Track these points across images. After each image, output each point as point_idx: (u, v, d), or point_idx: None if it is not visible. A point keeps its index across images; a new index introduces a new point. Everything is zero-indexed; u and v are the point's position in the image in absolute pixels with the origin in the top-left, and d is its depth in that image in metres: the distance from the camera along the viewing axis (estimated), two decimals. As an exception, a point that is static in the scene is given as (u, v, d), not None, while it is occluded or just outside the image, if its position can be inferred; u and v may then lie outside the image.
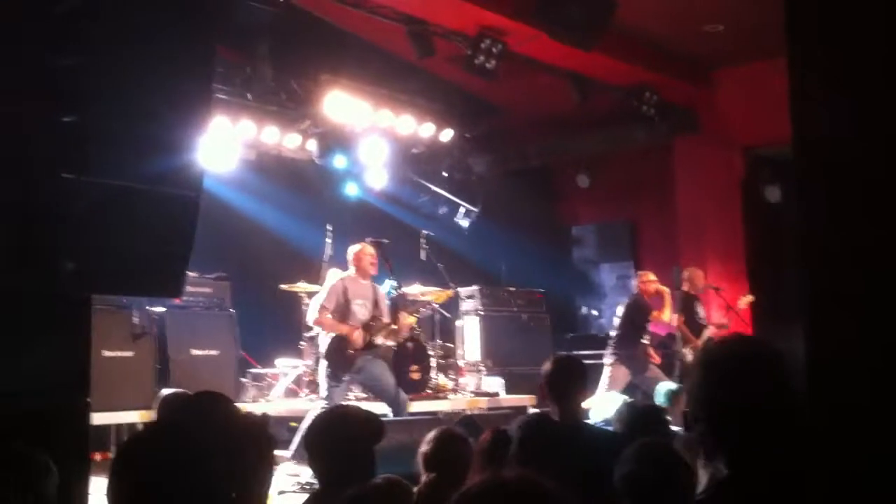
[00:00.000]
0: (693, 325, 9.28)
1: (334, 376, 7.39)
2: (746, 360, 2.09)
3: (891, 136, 2.25)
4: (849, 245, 2.33)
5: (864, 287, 2.29)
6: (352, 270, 7.62)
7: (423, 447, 3.80)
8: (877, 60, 2.25)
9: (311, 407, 7.49)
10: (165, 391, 6.31)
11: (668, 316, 9.11)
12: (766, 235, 10.49)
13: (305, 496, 3.60)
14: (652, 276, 9.27)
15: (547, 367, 4.02)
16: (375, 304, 7.57)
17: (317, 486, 3.29)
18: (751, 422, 1.96)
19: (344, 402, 7.16)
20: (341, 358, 7.40)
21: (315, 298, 7.71)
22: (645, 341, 9.05)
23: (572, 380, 4.01)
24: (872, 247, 2.28)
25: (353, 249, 7.67)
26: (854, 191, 2.29)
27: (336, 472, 2.94)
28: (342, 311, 7.47)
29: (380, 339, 7.67)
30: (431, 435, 3.82)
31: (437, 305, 9.44)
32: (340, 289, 7.51)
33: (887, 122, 2.26)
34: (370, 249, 7.59)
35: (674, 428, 3.65)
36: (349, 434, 2.96)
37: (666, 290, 9.22)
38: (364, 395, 8.19)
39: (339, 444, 2.94)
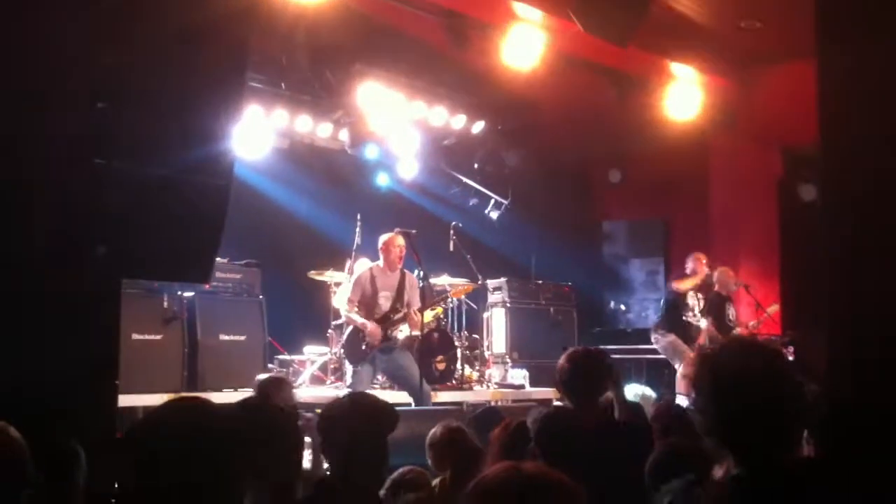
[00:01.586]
0: (723, 327, 9.22)
1: (353, 363, 7.59)
2: (746, 361, 2.11)
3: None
4: (871, 242, 2.32)
5: (884, 285, 2.27)
6: (381, 260, 7.67)
7: (427, 453, 3.83)
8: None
9: (335, 394, 7.56)
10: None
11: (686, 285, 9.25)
12: (801, 234, 10.37)
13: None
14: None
15: (560, 363, 4.00)
16: (399, 295, 7.61)
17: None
18: (753, 422, 1.97)
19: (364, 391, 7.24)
20: (356, 349, 7.52)
21: (342, 288, 7.79)
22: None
23: (587, 376, 3.99)
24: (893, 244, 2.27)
25: (382, 238, 7.72)
26: (877, 192, 2.28)
27: (348, 460, 2.96)
28: (368, 302, 7.54)
29: (402, 331, 7.74)
30: (428, 440, 3.85)
31: (463, 298, 9.45)
32: (367, 279, 7.57)
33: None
34: (400, 241, 7.63)
35: None
36: (361, 422, 2.97)
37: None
38: (389, 384, 8.24)
39: (351, 432, 2.95)
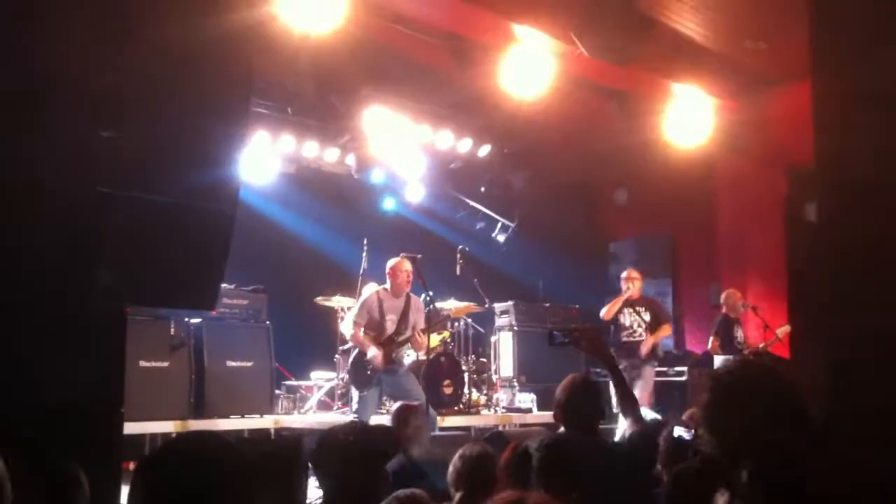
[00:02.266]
0: (730, 347, 9.19)
1: (358, 388, 7.61)
2: (750, 383, 2.12)
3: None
4: (865, 255, 2.32)
5: (880, 293, 2.27)
6: (388, 284, 7.67)
7: (452, 465, 3.79)
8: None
9: (342, 419, 7.55)
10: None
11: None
12: (807, 255, 10.32)
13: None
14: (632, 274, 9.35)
15: (560, 392, 3.98)
16: (404, 317, 7.61)
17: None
18: (758, 442, 1.97)
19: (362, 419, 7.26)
20: (360, 373, 7.52)
21: (350, 313, 7.80)
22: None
23: (587, 402, 3.96)
24: (888, 257, 2.27)
25: (390, 263, 7.73)
26: (871, 205, 2.29)
27: (341, 490, 2.93)
28: (376, 325, 7.53)
29: (408, 355, 7.73)
30: (460, 453, 3.81)
31: (470, 321, 9.44)
32: (374, 303, 7.57)
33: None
34: (407, 266, 7.63)
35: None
36: (355, 451, 2.95)
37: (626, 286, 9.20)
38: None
39: (344, 461, 2.93)
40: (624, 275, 9.43)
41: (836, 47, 2.38)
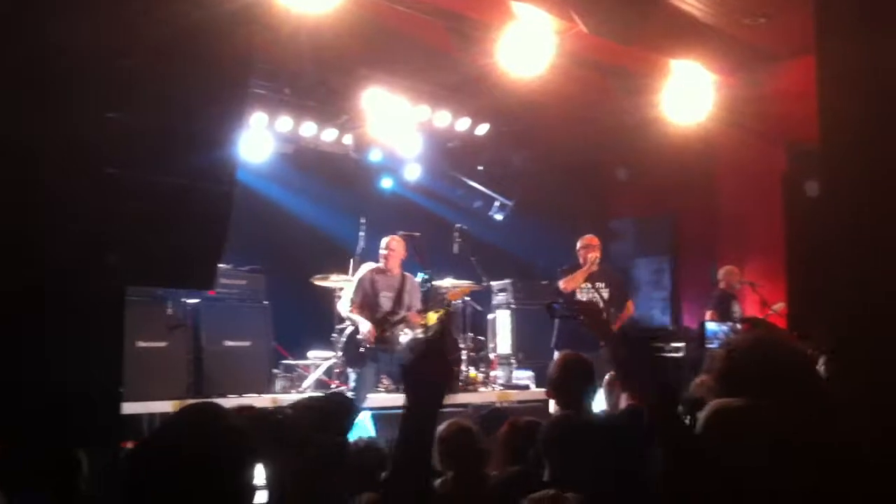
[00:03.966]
0: (728, 322, 9.20)
1: (352, 366, 7.63)
2: (765, 353, 2.15)
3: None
4: (870, 233, 2.32)
5: (884, 275, 2.28)
6: (382, 262, 7.67)
7: (436, 449, 3.80)
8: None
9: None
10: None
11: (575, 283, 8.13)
12: (806, 231, 10.32)
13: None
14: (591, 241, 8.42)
15: (552, 369, 3.99)
16: (399, 296, 7.61)
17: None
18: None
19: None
20: (353, 351, 7.53)
21: (345, 291, 7.81)
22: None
23: (579, 380, 3.98)
24: (890, 236, 2.28)
25: (384, 241, 7.73)
26: (876, 185, 2.28)
27: (303, 467, 2.93)
28: (371, 303, 7.55)
29: (405, 333, 7.74)
30: (437, 435, 3.82)
31: (468, 299, 9.44)
32: (369, 280, 7.58)
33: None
34: (395, 243, 7.62)
35: None
36: (308, 426, 2.94)
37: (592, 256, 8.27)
38: (394, 387, 8.23)
39: (300, 437, 2.92)
40: (582, 243, 8.38)
41: (840, 25, 2.37)
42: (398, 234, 7.77)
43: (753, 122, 10.57)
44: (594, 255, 8.21)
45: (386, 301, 7.59)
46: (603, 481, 3.06)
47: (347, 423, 3.04)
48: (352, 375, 7.68)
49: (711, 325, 9.02)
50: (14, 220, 3.66)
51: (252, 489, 2.02)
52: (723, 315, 9.19)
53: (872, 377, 2.31)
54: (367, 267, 7.78)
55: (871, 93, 2.33)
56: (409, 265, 7.86)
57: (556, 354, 7.73)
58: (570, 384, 4.01)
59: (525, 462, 3.66)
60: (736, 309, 9.39)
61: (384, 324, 7.50)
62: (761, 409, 1.88)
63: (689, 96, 9.78)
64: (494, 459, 3.92)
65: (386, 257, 7.63)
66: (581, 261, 8.30)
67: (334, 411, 3.04)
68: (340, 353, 7.87)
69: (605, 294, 8.15)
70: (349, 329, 7.67)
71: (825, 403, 2.17)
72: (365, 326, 7.45)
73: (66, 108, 3.73)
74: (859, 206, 2.42)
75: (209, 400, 2.81)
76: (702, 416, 1.93)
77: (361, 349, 7.50)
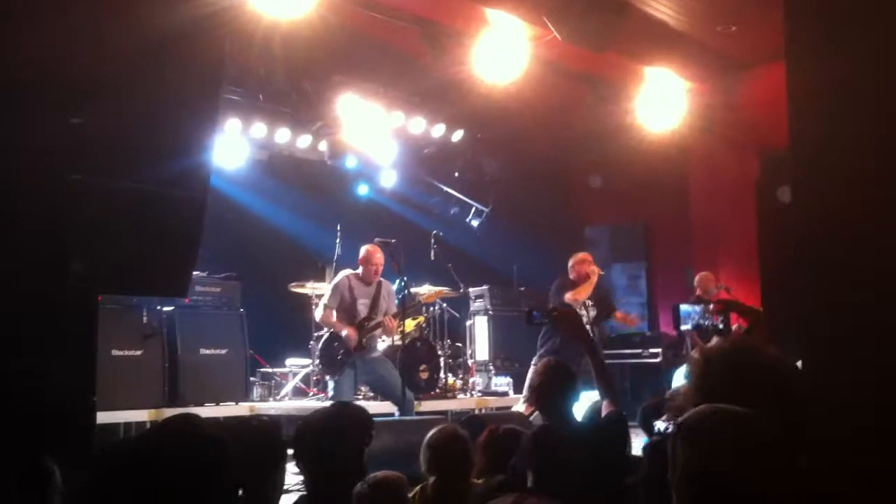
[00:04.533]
0: (703, 332, 9.25)
1: (329, 373, 7.57)
2: (740, 362, 2.16)
3: (884, 139, 2.26)
4: (842, 242, 2.34)
5: (856, 287, 2.29)
6: (360, 270, 7.66)
7: (422, 453, 3.79)
8: (871, 65, 2.26)
9: (318, 406, 7.53)
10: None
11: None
12: (779, 237, 10.43)
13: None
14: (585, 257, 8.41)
15: (535, 375, 4.00)
16: (374, 303, 7.60)
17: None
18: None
19: (345, 401, 7.22)
20: (331, 358, 7.50)
21: (323, 297, 7.77)
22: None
23: (563, 386, 4.00)
24: (864, 247, 2.30)
25: (363, 250, 7.72)
26: (846, 192, 2.31)
27: (322, 476, 2.93)
28: (348, 309, 7.52)
29: (383, 340, 7.73)
30: (428, 439, 3.81)
31: (445, 306, 9.45)
32: (346, 287, 7.55)
33: (880, 124, 2.27)
34: (379, 255, 7.59)
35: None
36: (335, 437, 2.94)
37: (596, 270, 8.30)
38: (372, 395, 8.21)
39: (324, 447, 2.92)
40: (578, 259, 8.35)
41: (811, 32, 2.39)
42: (375, 242, 7.76)
43: (726, 129, 10.66)
44: (596, 269, 8.25)
45: (363, 308, 7.57)
46: (586, 488, 3.07)
47: (367, 435, 3.02)
48: (330, 383, 7.65)
49: (685, 307, 8.99)
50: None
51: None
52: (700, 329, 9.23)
53: (849, 380, 2.33)
54: (344, 273, 7.76)
55: (841, 100, 2.35)
56: (385, 272, 7.85)
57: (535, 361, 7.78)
58: (553, 390, 4.01)
59: (505, 470, 3.66)
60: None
61: (360, 330, 7.48)
62: (749, 416, 1.88)
63: (662, 103, 9.86)
64: (475, 466, 3.92)
65: (375, 272, 7.58)
66: (573, 276, 8.25)
67: (353, 423, 3.03)
68: (318, 361, 7.82)
69: (592, 312, 8.20)
70: (326, 335, 7.63)
71: (804, 411, 2.19)
72: (346, 332, 7.42)
73: (29, 113, 3.69)
74: (830, 211, 2.44)
75: (188, 412, 2.79)
76: (689, 421, 1.92)
77: (339, 356, 7.47)
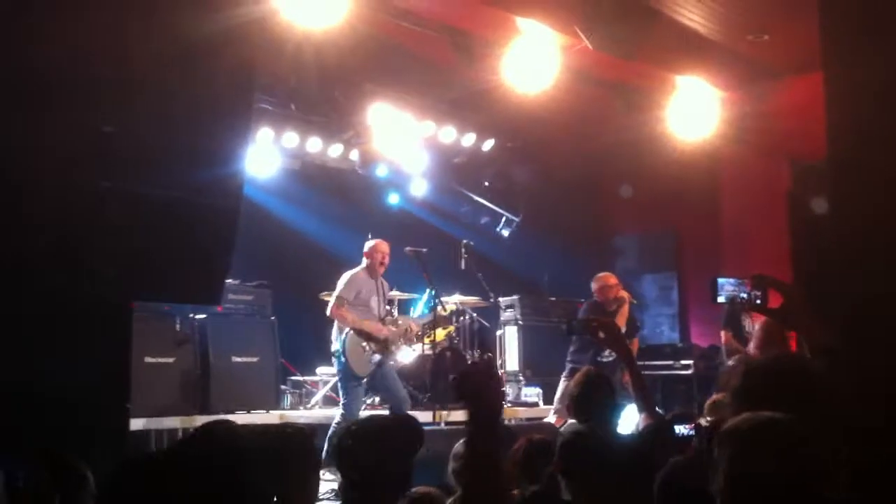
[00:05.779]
0: (740, 338, 9.15)
1: (354, 376, 7.40)
2: (783, 375, 2.17)
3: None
4: (879, 252, 2.32)
5: (889, 292, 2.27)
6: (364, 264, 7.64)
7: (452, 463, 3.78)
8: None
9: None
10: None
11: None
12: (811, 247, 10.31)
13: (338, 504, 3.59)
14: (613, 280, 8.44)
15: (573, 384, 3.98)
16: (380, 301, 7.61)
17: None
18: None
19: (364, 410, 7.21)
20: (360, 358, 7.41)
21: (336, 290, 7.64)
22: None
23: (600, 395, 3.98)
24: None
25: (368, 244, 7.70)
26: (884, 193, 2.29)
27: (370, 483, 2.92)
28: (363, 302, 7.49)
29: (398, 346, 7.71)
30: (458, 450, 3.80)
31: (475, 316, 9.43)
32: (363, 280, 7.52)
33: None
34: (385, 247, 7.60)
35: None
36: (386, 443, 2.92)
37: (626, 295, 8.40)
38: (380, 403, 8.18)
39: (375, 453, 2.90)
40: (603, 283, 8.38)
41: (847, 37, 2.38)
42: (406, 250, 7.75)
43: (757, 138, 10.57)
44: (626, 295, 8.30)
45: (375, 304, 7.57)
46: (619, 495, 3.04)
47: (417, 445, 3.01)
48: (342, 386, 7.53)
49: (722, 280, 8.86)
50: (17, 236, 3.67)
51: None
52: (735, 332, 9.13)
53: (874, 385, 2.30)
54: (353, 270, 7.70)
55: (879, 106, 2.33)
56: (415, 281, 7.85)
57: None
58: (590, 399, 3.99)
59: (540, 481, 3.63)
60: (747, 323, 9.33)
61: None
62: (789, 421, 1.90)
63: (693, 112, 9.79)
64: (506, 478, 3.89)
65: (381, 264, 7.56)
66: (600, 299, 8.28)
67: (405, 433, 3.01)
68: (342, 360, 7.54)
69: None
70: (346, 333, 7.40)
71: (839, 416, 2.18)
72: (374, 325, 7.37)
73: (60, 120, 3.74)
74: (867, 221, 2.42)
75: (223, 419, 2.81)
76: (731, 427, 1.94)
77: (368, 350, 7.34)
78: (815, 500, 1.81)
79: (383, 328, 7.40)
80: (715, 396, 6.75)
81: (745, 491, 1.85)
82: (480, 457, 2.42)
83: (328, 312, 7.60)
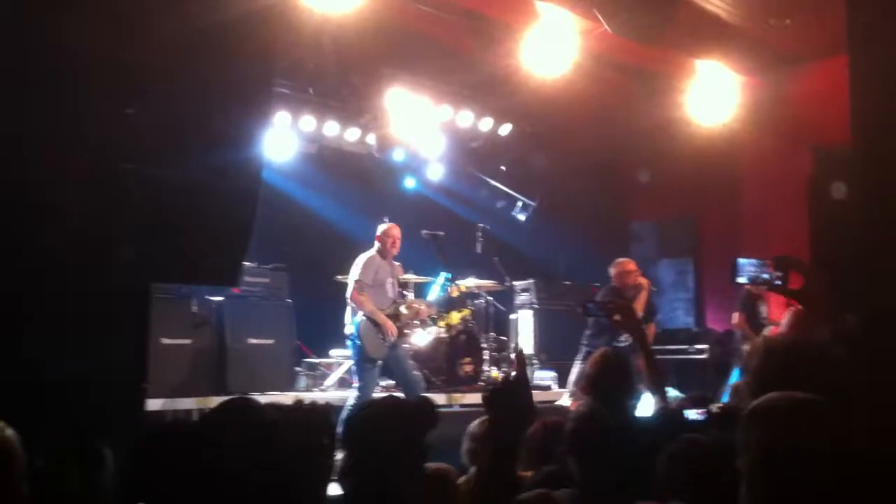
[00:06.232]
0: (755, 323, 9.13)
1: (368, 358, 7.45)
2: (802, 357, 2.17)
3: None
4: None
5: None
6: (377, 247, 7.67)
7: (466, 443, 3.79)
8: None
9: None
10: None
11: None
12: (832, 233, 10.23)
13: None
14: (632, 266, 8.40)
15: (590, 365, 3.98)
16: (394, 283, 7.64)
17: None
18: None
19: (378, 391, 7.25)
20: (376, 342, 7.45)
21: (353, 273, 7.67)
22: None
23: (618, 376, 3.96)
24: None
25: (380, 228, 7.73)
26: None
27: (384, 463, 2.92)
28: (378, 285, 7.53)
29: (412, 329, 7.74)
30: (472, 430, 3.81)
31: (490, 298, 9.44)
32: (379, 264, 7.56)
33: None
34: (395, 232, 7.63)
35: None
36: (400, 423, 2.93)
37: (645, 282, 8.39)
38: (393, 382, 8.21)
39: (388, 433, 2.91)
40: (622, 268, 8.33)
41: (874, 21, 2.35)
42: (423, 233, 7.76)
43: (778, 124, 10.49)
44: (644, 281, 8.28)
45: (390, 287, 7.60)
46: (628, 482, 3.04)
47: (429, 427, 3.01)
48: (357, 368, 7.57)
49: (742, 260, 8.80)
50: (37, 218, 3.69)
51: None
52: (750, 317, 9.11)
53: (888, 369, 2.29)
54: (368, 253, 7.74)
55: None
56: (432, 265, 7.86)
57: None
58: (606, 380, 3.97)
59: (554, 461, 3.64)
60: (762, 309, 9.30)
61: (395, 320, 7.49)
62: (815, 402, 1.92)
63: (712, 97, 9.73)
64: (523, 460, 3.90)
65: (393, 245, 7.60)
66: (618, 284, 8.23)
67: (416, 413, 3.02)
68: (360, 344, 7.54)
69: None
70: (362, 316, 7.46)
71: (861, 403, 2.19)
72: (385, 323, 7.42)
73: (81, 103, 3.75)
74: (892, 209, 2.40)
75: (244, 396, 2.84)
76: (760, 407, 1.96)
77: (383, 338, 7.40)
78: (844, 480, 1.82)
79: (395, 330, 7.42)
80: (737, 382, 6.75)
81: (781, 468, 1.86)
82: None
83: (347, 296, 7.63)
